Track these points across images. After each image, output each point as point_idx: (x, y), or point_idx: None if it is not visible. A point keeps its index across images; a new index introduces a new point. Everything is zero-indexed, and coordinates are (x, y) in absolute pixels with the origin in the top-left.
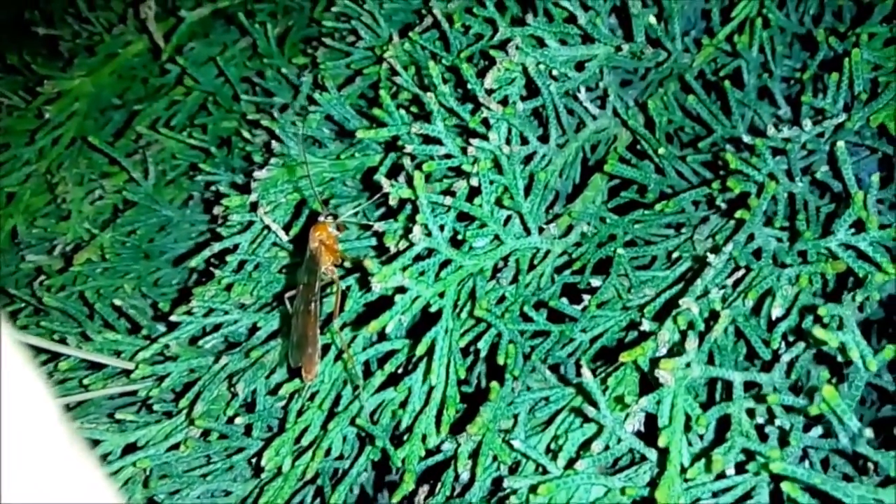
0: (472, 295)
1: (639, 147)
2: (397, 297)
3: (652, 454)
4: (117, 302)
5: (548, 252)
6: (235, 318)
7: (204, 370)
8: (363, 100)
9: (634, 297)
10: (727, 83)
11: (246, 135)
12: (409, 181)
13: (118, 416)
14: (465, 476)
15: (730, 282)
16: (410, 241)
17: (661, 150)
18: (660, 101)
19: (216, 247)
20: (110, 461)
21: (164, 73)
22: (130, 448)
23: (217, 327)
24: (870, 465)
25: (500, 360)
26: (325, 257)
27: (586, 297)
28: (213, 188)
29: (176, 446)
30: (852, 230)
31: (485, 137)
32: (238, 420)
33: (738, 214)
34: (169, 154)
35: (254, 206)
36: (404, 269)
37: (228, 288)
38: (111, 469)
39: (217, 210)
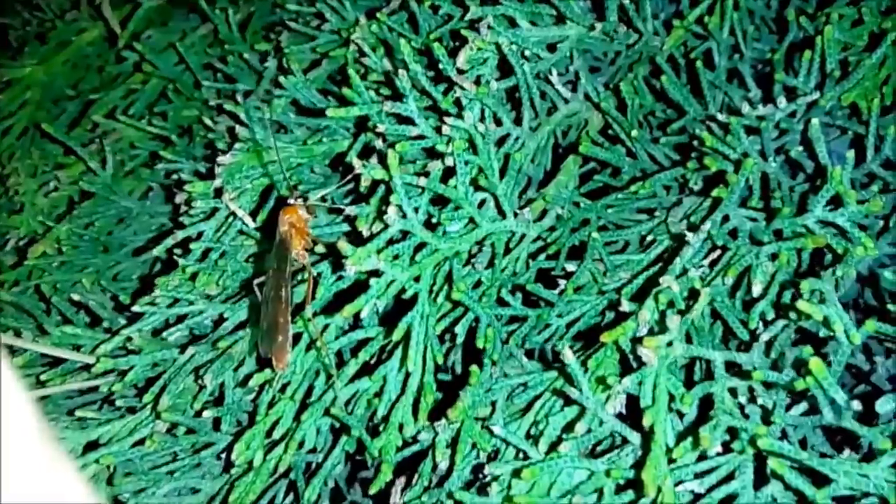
0: (447, 279)
1: (610, 132)
2: (372, 281)
3: (634, 436)
4: (75, 297)
5: (523, 236)
6: (201, 308)
7: (168, 363)
8: (330, 83)
9: (610, 281)
10: (699, 64)
11: (208, 122)
12: (382, 162)
13: (78, 413)
14: (443, 465)
15: (706, 262)
16: (385, 224)
17: (634, 133)
18: (630, 85)
19: (179, 235)
20: (71, 460)
21: (120, 60)
22: (92, 445)
23: (181, 318)
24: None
25: (480, 345)
26: (296, 241)
27: (562, 281)
28: (174, 177)
29: (141, 442)
30: (829, 206)
31: (459, 117)
32: (206, 414)
33: (714, 192)
34: (127, 143)
35: (218, 193)
36: (378, 251)
37: (193, 277)
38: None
39: (180, 198)
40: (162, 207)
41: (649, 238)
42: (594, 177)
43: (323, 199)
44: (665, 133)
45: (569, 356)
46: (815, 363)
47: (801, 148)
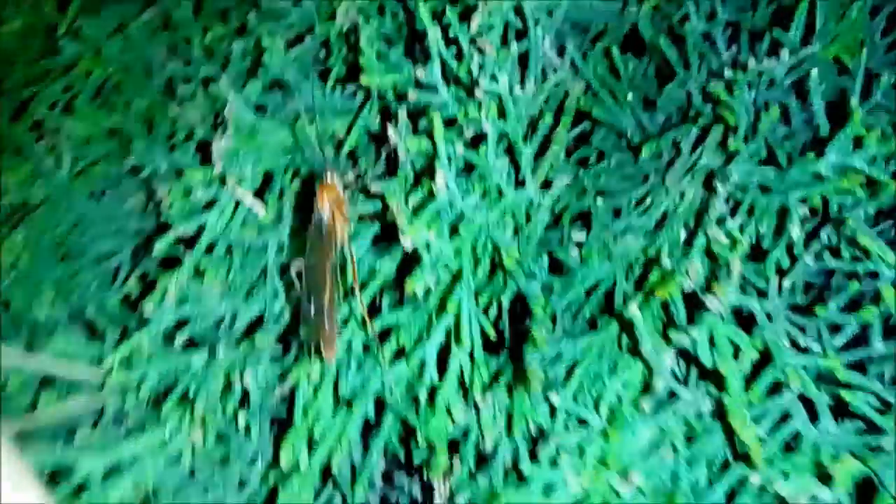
0: (492, 250)
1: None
2: (424, 255)
3: (699, 390)
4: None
5: (540, 204)
6: (212, 306)
7: (183, 369)
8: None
9: (621, 245)
10: (688, 25)
11: (173, 111)
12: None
13: (93, 432)
14: (491, 442)
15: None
16: (430, 194)
17: (629, 97)
18: (619, 48)
19: (180, 228)
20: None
21: (55, 52)
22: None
23: (189, 320)
24: None
25: (537, 310)
26: (338, 222)
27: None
28: (141, 176)
29: (170, 455)
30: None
31: (473, 84)
32: (240, 419)
33: (732, 146)
34: (78, 141)
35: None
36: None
37: (200, 273)
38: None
39: (161, 192)
40: (123, 208)
41: (649, 200)
42: (590, 139)
43: (357, 175)
44: (656, 96)
45: (634, 312)
46: (887, 290)
47: (796, 100)
